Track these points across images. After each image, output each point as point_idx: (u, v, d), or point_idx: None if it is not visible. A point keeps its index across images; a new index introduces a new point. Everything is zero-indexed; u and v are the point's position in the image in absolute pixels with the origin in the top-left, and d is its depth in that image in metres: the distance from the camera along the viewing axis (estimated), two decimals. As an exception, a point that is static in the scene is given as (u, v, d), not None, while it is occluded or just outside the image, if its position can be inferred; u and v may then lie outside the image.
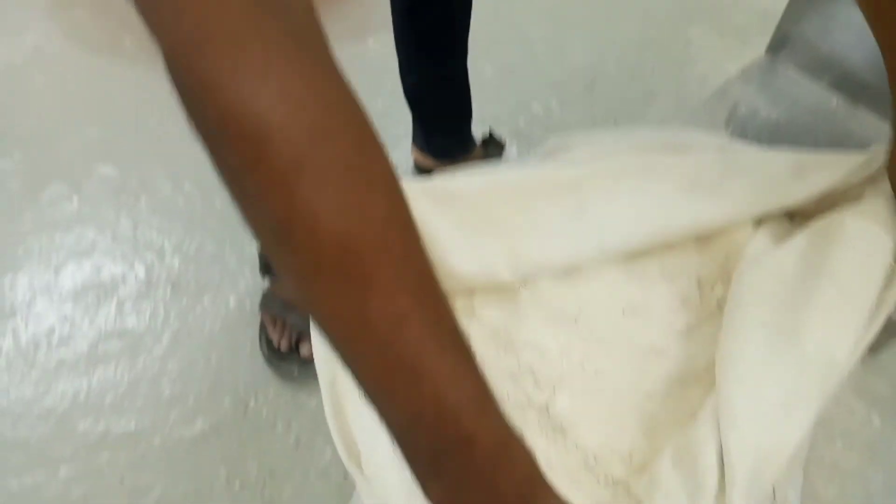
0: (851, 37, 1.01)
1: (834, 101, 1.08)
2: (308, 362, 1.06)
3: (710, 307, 0.59)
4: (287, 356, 1.08)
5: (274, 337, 1.08)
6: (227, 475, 1.03)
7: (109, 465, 1.05)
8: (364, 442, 0.47)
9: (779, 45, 1.08)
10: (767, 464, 0.40)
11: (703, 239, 0.61)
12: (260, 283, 1.17)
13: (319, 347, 0.52)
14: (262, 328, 1.11)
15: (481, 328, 0.61)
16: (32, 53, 1.60)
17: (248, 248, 1.25)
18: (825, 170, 0.58)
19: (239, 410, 1.09)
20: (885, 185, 0.57)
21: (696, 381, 0.52)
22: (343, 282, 0.28)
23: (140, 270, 1.25)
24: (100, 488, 1.03)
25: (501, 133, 1.34)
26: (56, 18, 1.67)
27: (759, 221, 0.61)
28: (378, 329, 0.28)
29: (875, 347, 1.01)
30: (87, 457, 1.06)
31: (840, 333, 0.46)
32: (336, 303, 0.29)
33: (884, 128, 1.05)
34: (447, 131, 1.20)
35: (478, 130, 1.26)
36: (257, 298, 1.15)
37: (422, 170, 1.25)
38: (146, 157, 1.40)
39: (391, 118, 1.32)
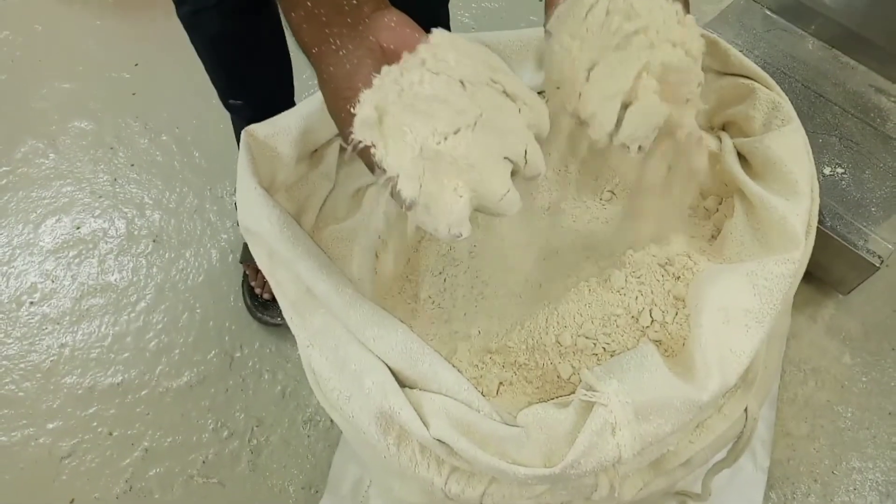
0: (829, -22, 1.01)
1: (810, 44, 1.08)
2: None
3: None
4: (270, 305, 1.09)
5: (256, 287, 1.09)
6: (215, 425, 1.05)
7: (97, 418, 1.06)
8: (339, 390, 0.48)
9: (756, -13, 1.08)
10: (732, 362, 0.46)
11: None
12: (241, 236, 1.17)
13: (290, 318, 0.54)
14: (245, 279, 1.12)
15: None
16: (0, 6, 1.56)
17: (229, 200, 1.25)
18: None
19: (224, 362, 1.10)
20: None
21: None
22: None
23: (121, 225, 1.25)
24: (88, 441, 1.04)
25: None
26: (22, -30, 1.62)
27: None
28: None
29: (846, 288, 1.04)
30: (75, 410, 1.07)
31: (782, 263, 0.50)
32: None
33: (859, 69, 1.06)
34: None
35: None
36: (239, 251, 1.16)
37: None
38: (121, 111, 1.38)
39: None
